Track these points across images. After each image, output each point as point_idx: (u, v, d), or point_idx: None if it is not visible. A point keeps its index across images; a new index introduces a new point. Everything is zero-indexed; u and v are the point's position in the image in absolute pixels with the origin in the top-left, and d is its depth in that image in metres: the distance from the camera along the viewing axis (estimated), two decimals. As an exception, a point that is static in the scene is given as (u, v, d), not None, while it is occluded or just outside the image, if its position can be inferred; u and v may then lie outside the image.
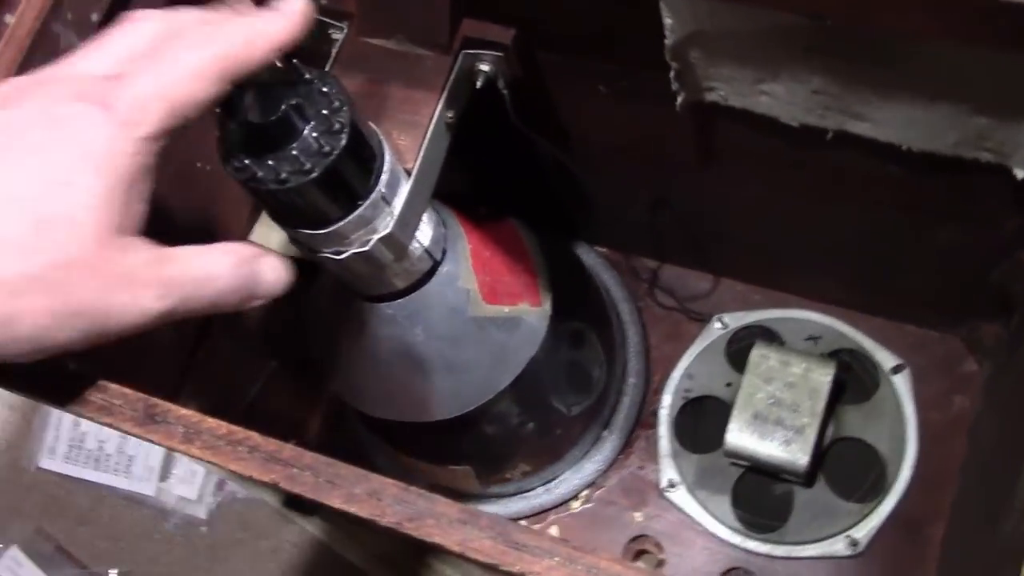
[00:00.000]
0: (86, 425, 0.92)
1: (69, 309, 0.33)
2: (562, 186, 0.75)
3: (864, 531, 0.72)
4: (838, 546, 0.72)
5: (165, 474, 0.91)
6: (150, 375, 0.48)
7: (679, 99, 0.55)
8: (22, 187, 0.32)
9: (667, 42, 0.50)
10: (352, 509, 0.37)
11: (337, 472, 0.38)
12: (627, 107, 0.60)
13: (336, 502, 0.37)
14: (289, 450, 0.38)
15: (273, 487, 0.38)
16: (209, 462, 0.38)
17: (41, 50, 0.50)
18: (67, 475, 0.93)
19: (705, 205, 0.71)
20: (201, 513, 0.89)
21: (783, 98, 0.52)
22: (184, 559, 0.89)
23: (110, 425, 0.40)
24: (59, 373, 0.40)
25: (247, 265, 0.40)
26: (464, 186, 0.76)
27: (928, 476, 0.73)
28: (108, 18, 0.54)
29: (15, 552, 0.91)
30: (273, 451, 0.38)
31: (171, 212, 0.66)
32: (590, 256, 0.85)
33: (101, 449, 0.92)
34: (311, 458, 0.38)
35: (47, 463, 0.93)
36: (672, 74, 0.53)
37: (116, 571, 0.90)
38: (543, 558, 0.35)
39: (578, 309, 0.75)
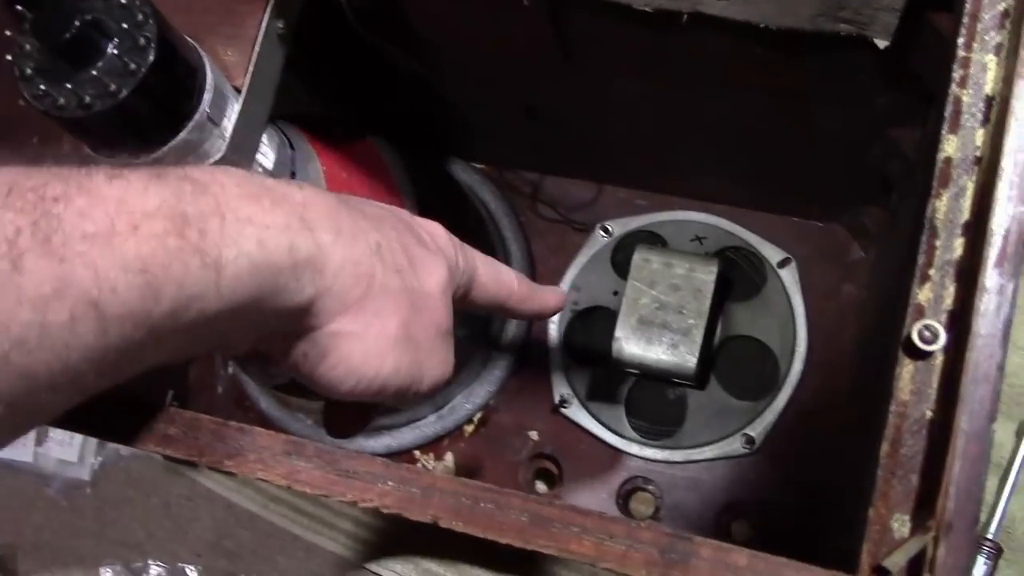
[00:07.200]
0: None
1: None
2: (427, 101, 0.71)
3: (759, 428, 0.71)
4: (735, 445, 0.71)
5: (41, 439, 0.86)
6: None
7: (524, -9, 0.51)
8: None
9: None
10: (168, 451, 0.33)
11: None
12: (472, 5, 0.56)
13: (151, 446, 0.34)
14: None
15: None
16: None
17: None
18: (-63, 449, 0.87)
19: (577, 107, 0.68)
20: (84, 475, 0.85)
21: (631, -20, 0.49)
22: (71, 523, 0.85)
23: None
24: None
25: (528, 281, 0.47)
26: (319, 106, 0.71)
27: (821, 368, 0.72)
28: None
29: None
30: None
31: None
32: (466, 173, 0.81)
33: (-32, 418, 0.87)
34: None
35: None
36: (511, -38, 0.49)
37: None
38: (376, 484, 0.32)
39: (450, 226, 0.72)
